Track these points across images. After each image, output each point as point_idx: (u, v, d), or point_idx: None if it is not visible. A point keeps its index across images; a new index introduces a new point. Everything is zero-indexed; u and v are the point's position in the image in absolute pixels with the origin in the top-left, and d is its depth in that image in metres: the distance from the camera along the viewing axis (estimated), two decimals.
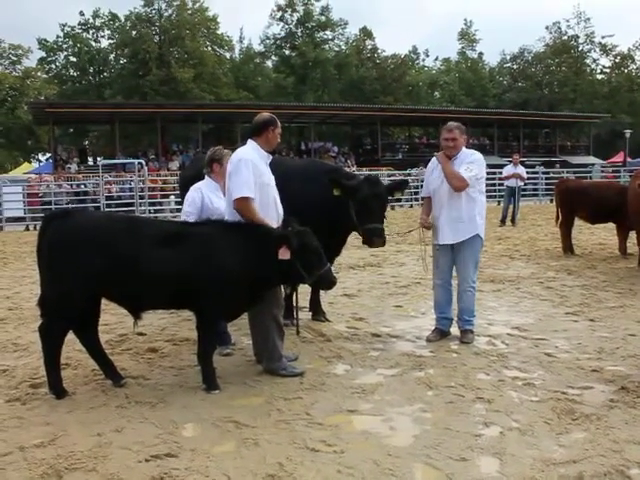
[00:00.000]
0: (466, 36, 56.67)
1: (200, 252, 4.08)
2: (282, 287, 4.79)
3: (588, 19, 51.86)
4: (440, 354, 4.97)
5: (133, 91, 41.21)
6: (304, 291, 5.65)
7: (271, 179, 4.54)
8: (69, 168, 27.44)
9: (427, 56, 58.08)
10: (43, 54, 45.16)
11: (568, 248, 10.35)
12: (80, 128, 43.03)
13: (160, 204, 22.06)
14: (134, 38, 42.21)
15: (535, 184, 26.62)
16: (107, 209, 19.01)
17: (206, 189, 5.01)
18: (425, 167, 6.34)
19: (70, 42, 45.32)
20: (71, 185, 21.91)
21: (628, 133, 34.58)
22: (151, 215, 19.47)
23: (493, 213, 16.20)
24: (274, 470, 3.04)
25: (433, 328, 5.49)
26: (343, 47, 49.81)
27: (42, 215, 15.09)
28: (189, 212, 4.92)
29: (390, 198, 5.61)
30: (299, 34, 47.80)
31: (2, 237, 16.53)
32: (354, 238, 5.77)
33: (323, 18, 48.13)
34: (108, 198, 20.52)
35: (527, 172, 18.13)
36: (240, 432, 3.50)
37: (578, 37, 52.96)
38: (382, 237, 5.24)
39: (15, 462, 3.17)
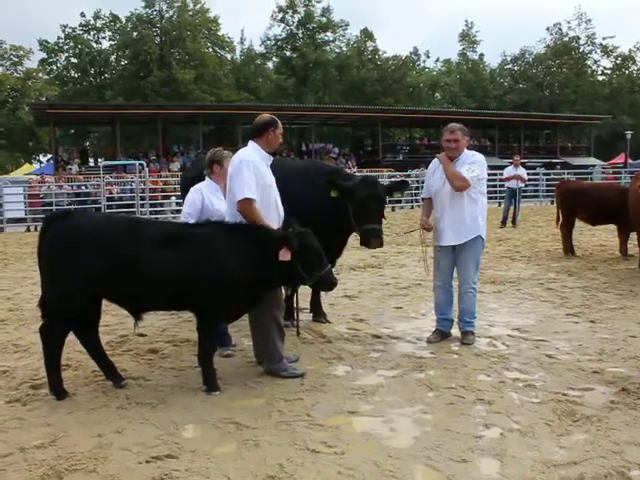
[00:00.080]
0: (467, 37, 56.74)
1: (200, 253, 4.08)
2: (283, 288, 4.79)
3: (589, 20, 52.04)
4: (441, 355, 4.96)
5: (134, 92, 41.26)
6: (305, 292, 5.65)
7: (272, 180, 4.54)
8: (70, 169, 27.51)
9: (428, 57, 58.47)
10: (44, 55, 45.37)
11: (569, 249, 10.34)
12: (81, 129, 43.14)
13: (161, 205, 22.10)
14: (135, 39, 42.33)
15: (536, 185, 26.56)
16: (108, 210, 19.03)
17: (206, 190, 5.01)
18: (426, 168, 6.32)
19: (71, 43, 45.44)
20: (72, 186, 21.93)
21: (629, 134, 34.59)
22: (152, 216, 19.46)
23: (494, 214, 16.18)
24: (275, 471, 3.04)
25: (434, 329, 5.48)
26: (344, 48, 49.98)
27: (43, 216, 15.07)
28: (189, 213, 4.92)
29: (390, 199, 5.58)
30: (300, 35, 47.90)
31: (3, 238, 16.52)
32: (354, 239, 5.76)
33: (324, 19, 48.25)
34: (109, 199, 20.53)
35: (528, 173, 18.10)
36: (241, 433, 3.50)
37: (579, 38, 53.04)
38: (379, 238, 5.22)
39: (15, 463, 3.17)
